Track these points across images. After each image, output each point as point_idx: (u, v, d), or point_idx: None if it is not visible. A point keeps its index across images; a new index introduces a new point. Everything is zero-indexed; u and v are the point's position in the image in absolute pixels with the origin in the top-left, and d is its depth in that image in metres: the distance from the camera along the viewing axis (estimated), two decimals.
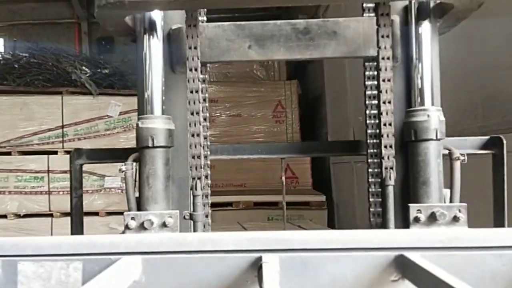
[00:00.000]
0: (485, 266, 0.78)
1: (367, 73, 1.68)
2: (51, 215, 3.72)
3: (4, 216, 3.65)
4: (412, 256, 0.77)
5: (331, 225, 4.55)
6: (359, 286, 0.78)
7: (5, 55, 4.58)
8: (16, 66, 4.15)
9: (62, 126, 3.88)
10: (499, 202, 1.56)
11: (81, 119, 3.91)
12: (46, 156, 3.69)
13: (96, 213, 3.69)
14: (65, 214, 3.67)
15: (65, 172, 3.64)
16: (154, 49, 1.54)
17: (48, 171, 3.77)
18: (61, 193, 3.80)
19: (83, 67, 4.18)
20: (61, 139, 3.85)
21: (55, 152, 3.66)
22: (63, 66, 4.17)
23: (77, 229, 1.69)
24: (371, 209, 1.54)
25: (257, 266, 0.77)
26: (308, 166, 4.99)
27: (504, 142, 1.54)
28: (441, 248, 0.79)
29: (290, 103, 5.20)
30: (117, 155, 1.74)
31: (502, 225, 1.53)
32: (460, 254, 0.79)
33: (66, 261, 0.74)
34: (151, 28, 1.55)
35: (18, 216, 3.67)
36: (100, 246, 0.76)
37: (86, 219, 3.79)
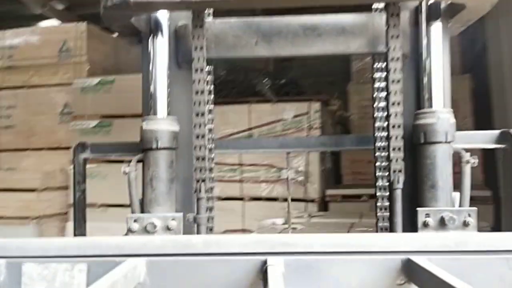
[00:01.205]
0: (493, 270, 0.79)
1: (375, 75, 1.68)
2: (242, 199, 4.81)
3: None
4: (419, 260, 0.79)
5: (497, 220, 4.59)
6: None
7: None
8: (217, 82, 5.31)
9: (250, 129, 4.88)
10: (509, 197, 1.55)
11: (264, 122, 4.91)
12: (238, 152, 4.68)
13: (275, 199, 4.72)
14: (253, 199, 4.78)
15: (252, 165, 4.75)
16: (159, 50, 1.57)
17: (240, 164, 4.82)
18: (249, 182, 4.85)
19: (265, 80, 5.32)
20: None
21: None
22: (250, 79, 5.38)
23: (79, 222, 1.72)
24: (378, 213, 1.54)
25: (262, 269, 0.78)
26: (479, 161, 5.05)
27: None
28: (448, 252, 0.81)
29: (463, 97, 5.17)
30: (120, 149, 1.78)
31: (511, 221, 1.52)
32: (467, 258, 0.80)
33: (70, 262, 0.77)
34: (156, 28, 1.57)
35: (219, 198, 4.68)
36: (105, 248, 0.78)
37: (267, 204, 4.54)
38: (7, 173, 4.98)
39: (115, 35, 5.74)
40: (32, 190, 4.66)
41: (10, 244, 0.79)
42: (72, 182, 1.73)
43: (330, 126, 5.35)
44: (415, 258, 0.79)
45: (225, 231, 4.70)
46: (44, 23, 7.04)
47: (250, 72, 5.57)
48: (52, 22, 6.92)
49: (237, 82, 5.34)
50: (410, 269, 0.80)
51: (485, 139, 1.60)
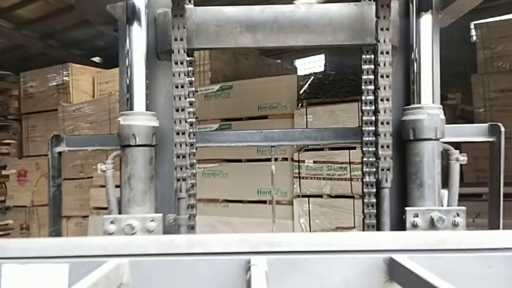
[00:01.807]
0: (472, 268, 0.89)
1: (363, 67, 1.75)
2: (352, 197, 5.19)
3: (320, 196, 5.33)
4: (400, 258, 0.88)
5: None
6: None
7: (318, 75, 6.55)
8: (326, 82, 5.98)
9: (359, 127, 5.13)
10: (495, 191, 1.66)
11: None
12: (348, 151, 5.18)
13: None
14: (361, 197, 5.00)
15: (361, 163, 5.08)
16: (136, 40, 1.59)
17: (349, 163, 5.24)
18: (359, 180, 5.20)
19: None
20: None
21: (354, 148, 5.13)
22: (359, 77, 5.24)
23: (55, 219, 1.77)
24: (365, 210, 1.61)
25: (245, 268, 0.86)
26: None
27: (502, 130, 1.65)
28: (429, 250, 0.90)
29: None
30: (96, 142, 1.84)
31: (498, 215, 1.63)
32: (448, 256, 0.89)
33: (52, 263, 0.83)
34: (133, 16, 1.59)
35: (330, 196, 5.33)
36: (87, 248, 0.85)
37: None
38: None
39: None
40: None
41: None
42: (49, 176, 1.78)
43: (450, 121, 5.52)
44: (397, 257, 0.88)
45: (336, 229, 5.16)
46: None
47: (359, 69, 5.94)
48: None
49: (345, 81, 5.82)
50: (392, 268, 0.89)
51: (474, 132, 1.71)
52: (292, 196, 5.59)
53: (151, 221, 1.46)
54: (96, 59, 10.59)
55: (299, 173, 5.54)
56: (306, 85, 6.20)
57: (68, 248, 0.85)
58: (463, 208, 1.52)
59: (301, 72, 10.63)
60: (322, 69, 10.89)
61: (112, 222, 1.45)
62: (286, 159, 5.66)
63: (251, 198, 5.67)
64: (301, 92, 6.04)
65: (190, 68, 1.69)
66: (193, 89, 1.74)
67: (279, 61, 8.59)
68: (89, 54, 10.37)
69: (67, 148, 1.79)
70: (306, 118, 5.51)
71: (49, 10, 8.05)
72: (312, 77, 6.41)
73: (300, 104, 5.69)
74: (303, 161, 5.49)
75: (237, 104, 5.82)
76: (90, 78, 7.57)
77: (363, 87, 1.71)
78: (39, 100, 7.87)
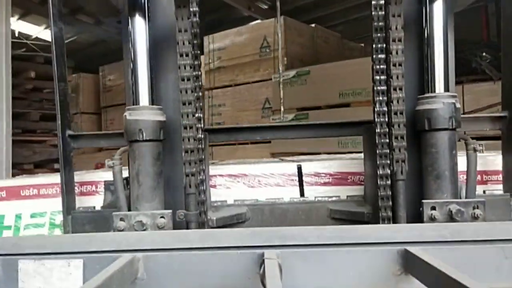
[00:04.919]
0: (488, 260, 0.93)
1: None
2: None
3: None
4: (415, 250, 0.92)
5: None
6: (361, 281, 0.92)
7: None
8: None
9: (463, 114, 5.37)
10: None
11: (481, 105, 4.65)
12: None
13: None
14: None
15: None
16: (139, 32, 1.62)
17: None
18: None
19: (483, 54, 5.07)
20: None
21: None
22: (464, 56, 5.06)
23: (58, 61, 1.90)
24: (380, 204, 1.64)
25: (259, 262, 0.91)
26: None
27: None
28: (444, 242, 0.94)
29: None
30: None
31: None
32: (463, 248, 0.93)
33: (66, 259, 0.88)
34: (135, 6, 1.63)
35: None
36: (101, 243, 0.90)
37: None
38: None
39: (312, 25, 7.00)
40: None
41: (6, 242, 0.91)
42: None
43: None
44: (411, 249, 0.92)
45: None
46: (252, 24, 8.77)
47: (463, 45, 5.32)
48: (258, 22, 8.61)
49: None
50: (406, 260, 0.93)
51: None
52: None
53: (161, 217, 1.51)
54: None
55: None
56: None
57: (82, 244, 0.90)
58: (483, 199, 1.54)
59: None
60: None
61: (121, 219, 1.50)
62: None
63: None
64: None
65: (196, 62, 1.68)
66: (201, 83, 1.73)
67: (362, 44, 8.13)
68: None
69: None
70: None
71: None
72: None
73: None
74: None
75: (315, 91, 5.49)
76: None
77: (375, 87, 1.67)
78: (117, 93, 8.17)
